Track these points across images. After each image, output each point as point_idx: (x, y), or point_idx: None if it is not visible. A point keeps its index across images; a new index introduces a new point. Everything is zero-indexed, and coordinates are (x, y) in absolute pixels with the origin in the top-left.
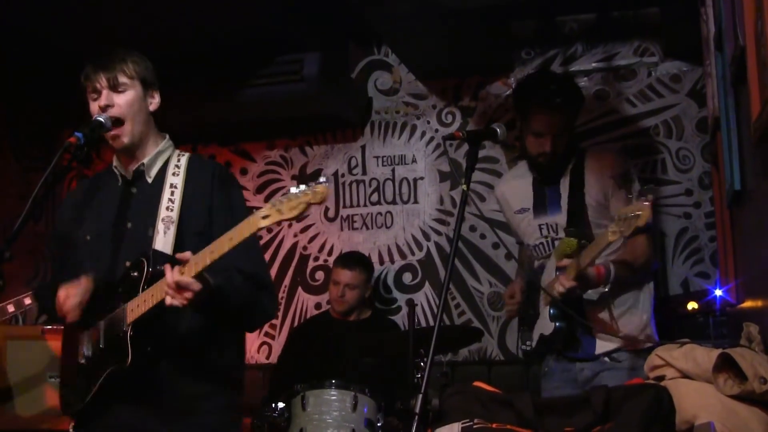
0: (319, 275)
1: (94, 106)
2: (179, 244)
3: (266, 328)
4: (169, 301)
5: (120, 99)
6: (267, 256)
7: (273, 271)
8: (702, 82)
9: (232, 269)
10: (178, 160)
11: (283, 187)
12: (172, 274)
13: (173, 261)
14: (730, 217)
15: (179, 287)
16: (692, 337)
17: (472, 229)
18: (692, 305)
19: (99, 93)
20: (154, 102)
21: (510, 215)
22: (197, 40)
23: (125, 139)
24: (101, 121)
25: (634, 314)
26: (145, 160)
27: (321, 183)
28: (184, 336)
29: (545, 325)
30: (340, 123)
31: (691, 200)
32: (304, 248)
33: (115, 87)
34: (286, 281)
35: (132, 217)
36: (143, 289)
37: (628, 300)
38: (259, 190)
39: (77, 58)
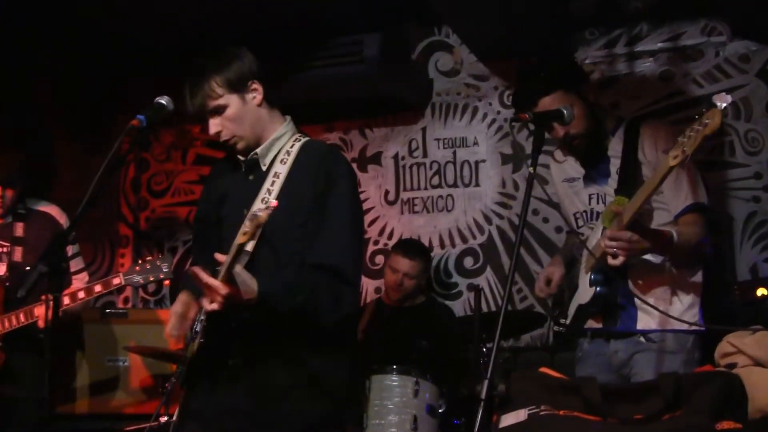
0: (379, 259)
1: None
2: (267, 237)
3: None
4: (206, 305)
5: (224, 121)
6: None
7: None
8: None
9: (299, 264)
10: (291, 146)
11: None
12: (204, 274)
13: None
14: None
15: (209, 289)
16: (763, 324)
17: (535, 212)
18: (762, 291)
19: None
20: (258, 95)
21: (558, 186)
22: (256, 22)
23: (241, 146)
24: (163, 104)
25: (680, 295)
26: (259, 150)
27: (266, 208)
28: (274, 333)
29: (584, 292)
30: (401, 105)
31: (760, 183)
32: (364, 232)
33: (212, 112)
34: None
35: (247, 204)
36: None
37: (675, 279)
38: None
39: (133, 43)
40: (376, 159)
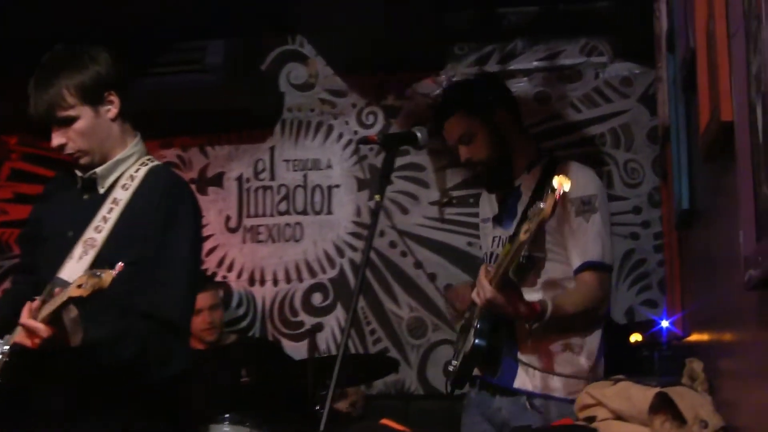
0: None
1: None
2: None
3: None
4: (18, 338)
5: (70, 133)
6: None
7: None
8: (655, 86)
9: (126, 308)
10: (136, 171)
11: None
12: (24, 312)
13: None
14: (678, 240)
15: (27, 329)
16: (636, 373)
17: (392, 245)
18: (636, 337)
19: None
20: (114, 108)
21: (480, 225)
22: (84, 22)
23: (84, 161)
24: None
25: (576, 357)
26: (99, 170)
27: (111, 269)
28: (92, 384)
29: (469, 341)
30: (247, 121)
31: (639, 219)
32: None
33: (58, 123)
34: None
35: (77, 227)
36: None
37: (570, 340)
38: None
39: None
40: (218, 180)
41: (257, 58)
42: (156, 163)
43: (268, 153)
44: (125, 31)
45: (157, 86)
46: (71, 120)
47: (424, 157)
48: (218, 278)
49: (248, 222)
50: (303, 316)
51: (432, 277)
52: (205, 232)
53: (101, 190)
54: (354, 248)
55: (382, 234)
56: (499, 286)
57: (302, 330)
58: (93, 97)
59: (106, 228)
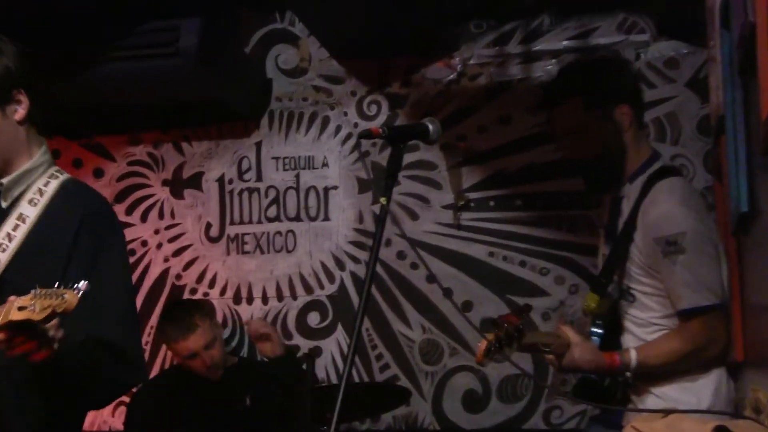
0: None
1: None
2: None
3: None
4: None
5: None
6: None
7: (137, 305)
8: (706, 69)
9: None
10: (45, 184)
11: (152, 196)
12: None
13: None
14: (736, 247)
15: None
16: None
17: (400, 255)
18: None
19: None
20: (21, 109)
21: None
22: None
23: None
24: None
25: (686, 396)
26: (6, 180)
27: (73, 289)
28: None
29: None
30: (228, 112)
31: None
32: (178, 277)
33: None
34: (153, 320)
35: None
36: None
37: (677, 382)
38: (119, 198)
39: None
40: (196, 182)
41: (239, 39)
42: (67, 176)
43: (253, 150)
44: (81, 8)
45: (121, 73)
46: None
47: (435, 153)
48: (198, 295)
49: (232, 230)
50: (298, 339)
51: (447, 293)
52: (183, 242)
53: (4, 204)
54: (356, 260)
55: (388, 243)
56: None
57: (298, 355)
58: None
59: (12, 247)
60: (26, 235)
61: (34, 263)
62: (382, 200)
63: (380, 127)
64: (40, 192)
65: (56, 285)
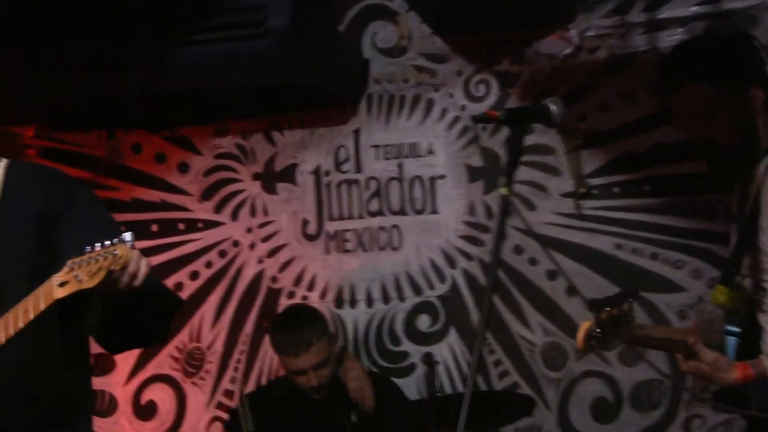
0: None
1: None
2: None
3: (219, 396)
4: None
5: None
6: (221, 289)
7: (229, 311)
8: None
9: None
10: None
11: (242, 191)
12: None
13: None
14: None
15: None
16: None
17: (518, 250)
18: None
19: None
20: None
21: None
22: None
23: None
24: None
25: None
26: None
27: (123, 242)
28: None
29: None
30: (323, 97)
31: None
32: (274, 279)
33: None
34: (248, 327)
35: None
36: None
37: None
38: (206, 195)
39: None
40: (289, 175)
41: (333, 17)
42: (4, 160)
43: (351, 137)
44: None
45: (205, 57)
46: None
47: (552, 137)
48: (296, 299)
49: (331, 227)
50: (407, 345)
51: (571, 291)
52: (278, 241)
53: None
54: (468, 256)
55: (503, 237)
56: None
57: (406, 362)
58: None
59: None
60: None
61: (19, 250)
62: (503, 190)
63: (497, 110)
64: None
65: (86, 249)
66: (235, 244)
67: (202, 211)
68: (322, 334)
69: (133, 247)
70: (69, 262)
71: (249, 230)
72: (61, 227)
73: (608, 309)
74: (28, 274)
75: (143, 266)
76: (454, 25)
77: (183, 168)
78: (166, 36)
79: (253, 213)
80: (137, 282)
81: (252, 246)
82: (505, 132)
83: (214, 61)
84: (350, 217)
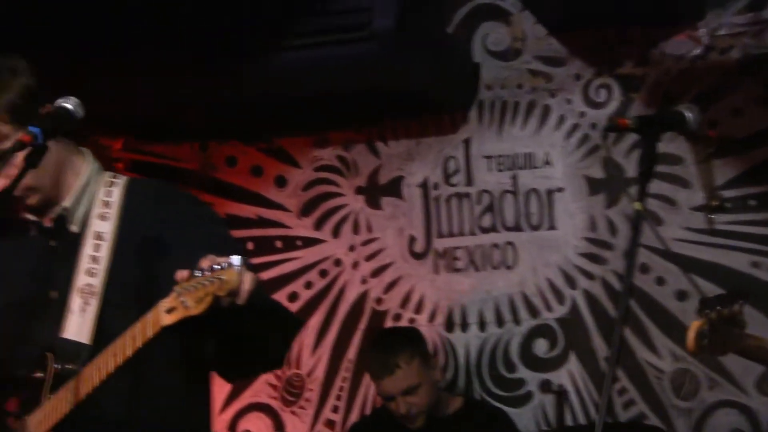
0: None
1: None
2: (106, 326)
3: (320, 426)
4: None
5: (11, 171)
6: (322, 311)
7: (331, 335)
8: None
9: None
10: (108, 194)
11: (344, 206)
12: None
13: (90, 354)
14: None
15: None
16: None
17: (644, 269)
18: None
19: None
20: None
21: None
22: None
23: (34, 201)
24: (68, 109)
25: None
26: (67, 202)
27: (231, 266)
28: None
29: None
30: (431, 104)
31: None
32: (378, 301)
33: None
34: (351, 353)
35: (56, 283)
36: (47, 398)
37: None
38: (306, 210)
39: None
40: (395, 188)
41: (442, 19)
42: (124, 178)
43: (461, 148)
44: None
45: (305, 63)
46: (8, 154)
47: (680, 145)
48: (403, 322)
49: (440, 244)
50: (522, 372)
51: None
52: (383, 259)
53: (74, 228)
54: (589, 275)
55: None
56: None
57: (522, 390)
58: (28, 118)
59: (102, 269)
60: (112, 251)
61: (132, 276)
62: (636, 205)
63: (626, 117)
64: (106, 204)
65: (195, 273)
66: (337, 263)
67: (301, 227)
68: (413, 358)
69: (242, 271)
70: (176, 288)
71: (352, 248)
72: (177, 249)
73: (719, 308)
74: (141, 297)
75: (247, 282)
76: (572, 24)
77: (281, 182)
78: (264, 41)
79: (356, 230)
80: (240, 300)
81: (355, 265)
82: (628, 141)
83: (315, 67)
84: (461, 234)
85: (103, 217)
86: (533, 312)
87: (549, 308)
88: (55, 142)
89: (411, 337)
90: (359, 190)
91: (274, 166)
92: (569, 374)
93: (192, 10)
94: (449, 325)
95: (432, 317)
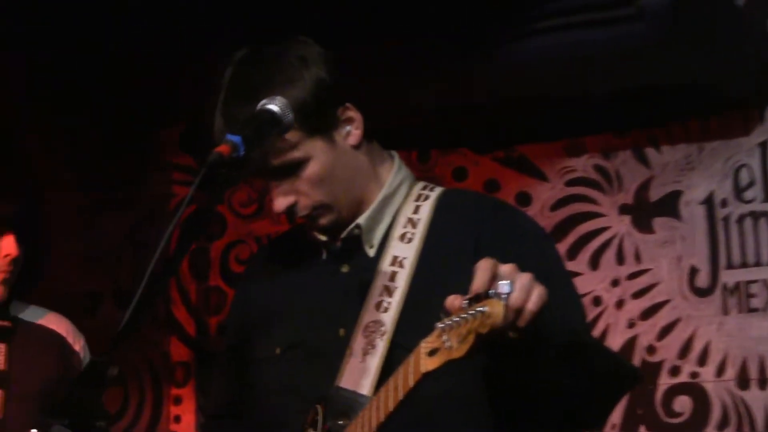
0: (683, 404)
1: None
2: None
3: None
4: None
5: (300, 185)
6: None
7: None
8: None
9: None
10: (415, 211)
11: (605, 229)
12: None
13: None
14: None
15: None
16: None
17: None
18: None
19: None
20: (355, 129)
21: None
22: None
23: (326, 220)
24: (275, 112)
25: None
26: (363, 220)
27: (497, 295)
28: None
29: None
30: (717, 99)
31: None
32: (650, 350)
33: (279, 175)
34: (616, 416)
35: (345, 318)
36: None
37: None
38: (556, 235)
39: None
40: (670, 206)
41: None
42: (440, 189)
43: (757, 154)
44: None
45: (551, 51)
46: (296, 165)
47: None
48: (682, 376)
49: (730, 277)
50: None
51: None
52: (655, 297)
53: (370, 252)
54: None
55: None
56: None
57: None
58: (322, 121)
59: (395, 303)
60: (410, 281)
61: (430, 314)
62: None
63: None
64: (411, 222)
65: (464, 303)
66: (596, 301)
67: None
68: None
69: (508, 301)
70: (438, 324)
71: (615, 283)
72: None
73: None
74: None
75: (532, 303)
76: None
77: (523, 199)
78: (497, 26)
79: (620, 259)
80: (519, 325)
81: (619, 304)
82: None
83: (565, 56)
84: (758, 264)
85: (403, 239)
86: None
87: None
88: (358, 149)
89: None
90: (624, 209)
91: (514, 180)
92: None
93: None
94: (743, 382)
95: (720, 371)
